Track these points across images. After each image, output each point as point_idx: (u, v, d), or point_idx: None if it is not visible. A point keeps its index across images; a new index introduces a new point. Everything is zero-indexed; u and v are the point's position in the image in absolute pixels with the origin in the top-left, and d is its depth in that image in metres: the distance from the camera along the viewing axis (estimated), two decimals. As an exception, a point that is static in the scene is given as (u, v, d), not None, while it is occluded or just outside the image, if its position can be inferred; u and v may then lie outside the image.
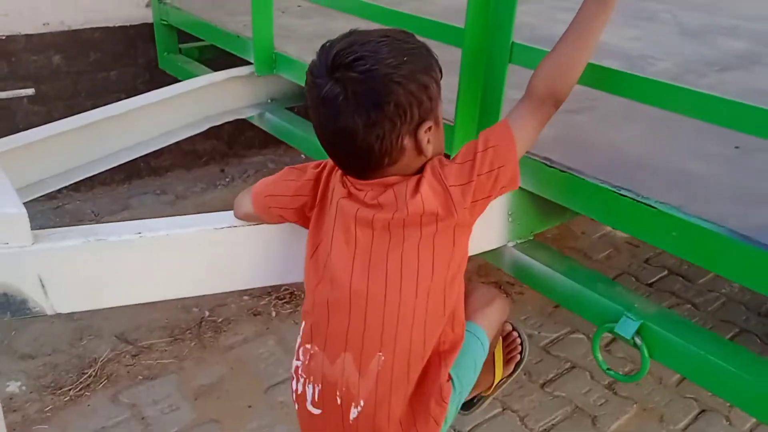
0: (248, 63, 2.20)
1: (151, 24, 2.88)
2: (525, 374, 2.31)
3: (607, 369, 1.38)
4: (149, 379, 2.22)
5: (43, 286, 1.14)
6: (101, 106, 1.86)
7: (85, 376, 2.21)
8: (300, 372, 1.18)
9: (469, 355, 1.18)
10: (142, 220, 1.20)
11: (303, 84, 2.02)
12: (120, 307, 2.53)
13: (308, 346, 1.16)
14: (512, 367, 1.45)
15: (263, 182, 1.22)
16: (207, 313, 2.54)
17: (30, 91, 1.41)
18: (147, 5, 2.95)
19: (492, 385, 1.43)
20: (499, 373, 1.42)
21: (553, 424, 2.12)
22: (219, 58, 2.61)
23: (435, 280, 1.08)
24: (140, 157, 2.36)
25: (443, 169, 1.08)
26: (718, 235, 1.08)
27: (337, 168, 1.16)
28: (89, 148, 1.75)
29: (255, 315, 2.55)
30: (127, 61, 3.04)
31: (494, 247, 1.47)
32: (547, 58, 1.16)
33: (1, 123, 1.47)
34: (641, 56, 2.15)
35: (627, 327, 1.25)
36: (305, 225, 1.20)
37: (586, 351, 2.44)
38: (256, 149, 3.61)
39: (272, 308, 2.58)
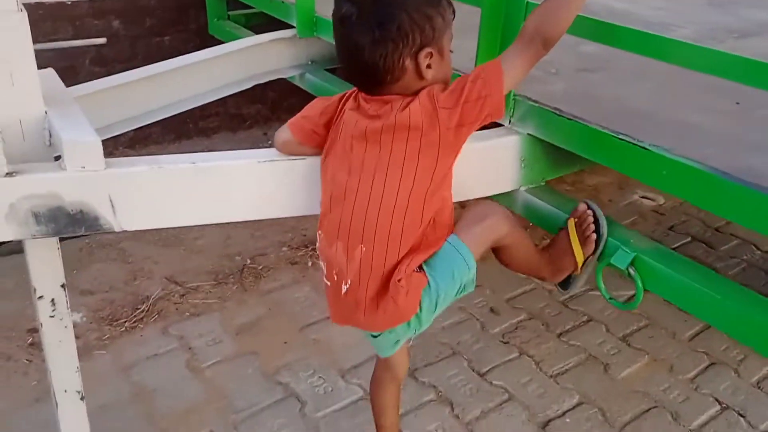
0: (291, 26, 2.37)
1: (202, -9, 3.08)
2: (542, 324, 2.45)
3: (610, 298, 1.52)
4: (195, 315, 2.43)
5: (112, 205, 1.33)
6: (156, 67, 2.05)
7: (138, 311, 2.43)
8: (318, 252, 1.42)
9: (446, 263, 1.31)
10: (197, 153, 1.39)
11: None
12: (169, 251, 2.76)
13: (319, 232, 1.39)
14: (593, 245, 1.47)
15: (296, 116, 1.43)
16: (248, 261, 2.74)
17: (102, 40, 1.61)
18: (199, -26, 3.15)
19: (576, 267, 1.49)
20: (579, 255, 1.47)
21: (566, 369, 2.24)
22: (264, 24, 2.78)
23: (415, 189, 1.25)
24: (188, 118, 2.55)
25: (438, 92, 1.24)
26: (702, 172, 1.21)
27: (354, 92, 1.34)
28: (150, 98, 1.95)
29: (292, 264, 2.74)
30: (179, 27, 3.24)
31: (508, 190, 1.62)
32: (543, 6, 1.28)
33: (66, 81, 1.66)
34: (662, 24, 2.24)
35: (622, 258, 1.39)
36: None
37: (602, 306, 2.55)
38: (298, 114, 3.79)
39: (308, 258, 2.77)
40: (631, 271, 1.38)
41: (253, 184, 1.40)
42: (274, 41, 2.33)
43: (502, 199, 1.64)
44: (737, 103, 1.54)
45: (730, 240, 3.06)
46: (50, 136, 1.39)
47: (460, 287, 1.35)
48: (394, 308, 1.30)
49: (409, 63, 1.23)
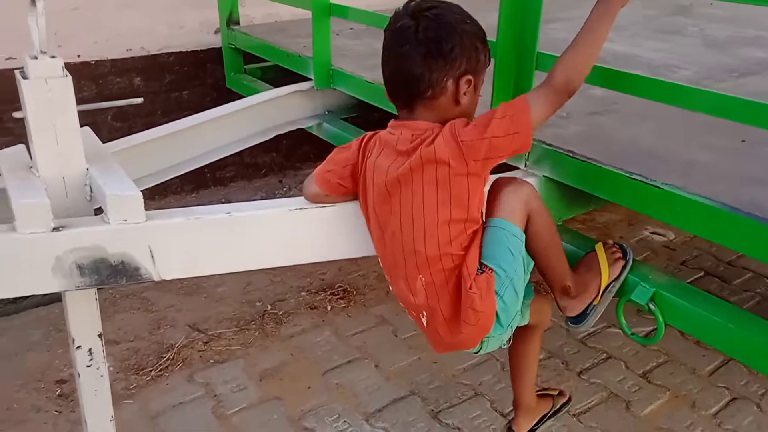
0: (308, 79, 2.47)
1: (220, 48, 3.20)
2: (562, 363, 2.48)
3: (632, 334, 1.56)
4: (219, 362, 2.46)
5: (152, 255, 1.40)
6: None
7: (163, 360, 2.47)
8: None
9: (498, 245, 1.37)
10: (232, 203, 1.46)
11: (358, 96, 2.28)
12: (191, 300, 2.81)
13: (387, 276, 1.49)
14: (618, 270, 1.53)
15: (321, 165, 1.50)
16: (269, 307, 2.78)
17: (139, 100, 1.69)
18: (216, 32, 3.28)
19: (600, 290, 1.53)
20: (605, 274, 1.52)
21: (588, 408, 2.25)
22: (279, 77, 2.90)
23: (453, 216, 1.32)
24: (206, 168, 2.63)
25: (461, 128, 1.32)
26: (713, 208, 1.28)
27: (374, 134, 1.43)
28: (177, 151, 2.04)
29: (312, 309, 2.78)
30: (197, 82, 3.37)
31: (526, 231, 1.67)
32: (564, 54, 1.37)
33: (90, 137, 1.78)
34: (664, 65, 2.34)
35: (642, 294, 1.44)
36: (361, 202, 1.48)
37: (621, 343, 2.57)
38: (311, 161, 3.89)
39: (327, 303, 2.81)
40: (652, 306, 1.43)
41: (285, 232, 1.47)
42: (293, 93, 2.43)
43: (521, 239, 1.70)
44: (743, 141, 1.61)
45: (743, 273, 3.08)
46: (91, 190, 1.47)
47: (523, 261, 1.41)
48: (476, 316, 1.35)
49: (450, 84, 1.33)
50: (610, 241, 1.60)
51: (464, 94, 1.35)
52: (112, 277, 1.39)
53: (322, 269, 3.00)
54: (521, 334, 1.65)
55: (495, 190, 1.43)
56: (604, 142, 1.57)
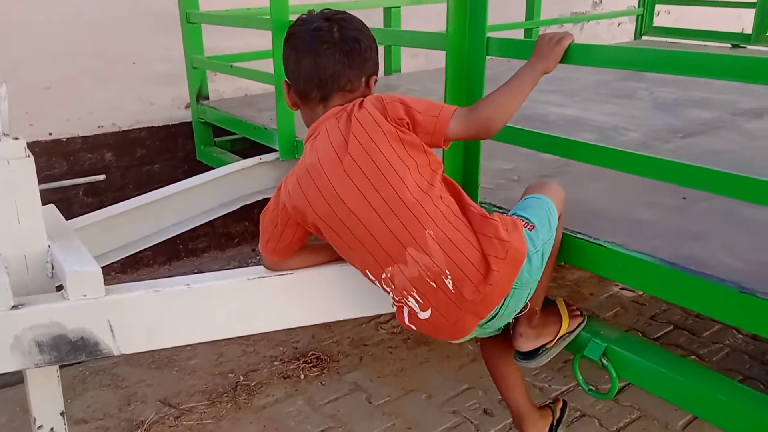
0: (274, 150, 2.55)
1: (190, 122, 3.29)
2: (535, 422, 2.47)
3: (588, 389, 1.59)
4: (190, 437, 2.43)
5: (112, 330, 1.42)
6: (146, 195, 2.19)
7: (133, 438, 2.43)
8: (398, 301, 1.44)
9: (541, 212, 1.45)
10: (191, 275, 1.49)
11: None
12: (162, 374, 2.79)
13: (383, 275, 1.42)
14: (575, 324, 1.61)
15: (260, 240, 1.54)
16: (241, 378, 2.76)
17: (101, 177, 1.74)
18: (186, 107, 3.38)
19: (556, 335, 1.58)
20: (565, 323, 1.59)
21: (563, 467, 2.26)
22: (249, 148, 2.97)
23: (420, 167, 1.38)
24: (179, 240, 2.66)
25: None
26: (652, 263, 1.34)
27: (292, 176, 1.48)
28: (144, 225, 2.08)
29: (285, 378, 2.76)
30: (168, 155, 3.44)
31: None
32: (489, 95, 1.48)
33: (61, 213, 1.80)
34: (614, 128, 2.45)
35: (594, 350, 1.48)
36: (314, 230, 1.47)
37: (594, 401, 2.59)
38: (284, 229, 3.94)
39: (300, 371, 2.80)
40: (604, 361, 1.47)
41: (245, 301, 1.49)
42: (259, 164, 2.50)
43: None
44: (684, 198, 1.69)
45: (712, 326, 3.13)
46: (52, 267, 1.50)
47: (552, 242, 1.45)
48: (503, 246, 1.34)
49: (362, 83, 1.48)
50: (570, 302, 1.66)
51: (371, 90, 1.49)
52: (71, 354, 1.40)
53: (295, 337, 3.00)
54: (497, 347, 1.68)
55: (539, 184, 1.56)
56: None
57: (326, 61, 1.43)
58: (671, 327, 3.16)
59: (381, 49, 1.60)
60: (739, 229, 1.53)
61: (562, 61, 1.45)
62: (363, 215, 1.38)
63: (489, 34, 1.62)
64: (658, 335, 3.10)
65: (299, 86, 1.49)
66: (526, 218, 1.43)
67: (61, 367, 1.53)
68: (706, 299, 1.26)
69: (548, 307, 1.62)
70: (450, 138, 1.43)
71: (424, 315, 1.40)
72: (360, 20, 1.52)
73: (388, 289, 1.44)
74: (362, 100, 1.43)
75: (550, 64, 1.46)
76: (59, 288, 1.47)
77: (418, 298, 1.39)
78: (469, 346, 2.88)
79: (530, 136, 1.61)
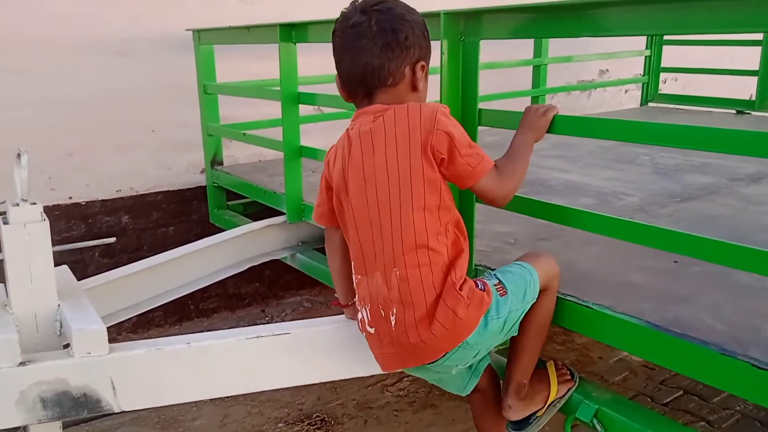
0: (283, 213, 2.63)
1: (204, 186, 3.41)
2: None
3: (580, 453, 1.59)
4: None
5: (113, 387, 1.46)
6: (160, 256, 2.26)
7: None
8: (358, 303, 1.48)
9: (520, 283, 1.46)
10: (192, 334, 1.55)
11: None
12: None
13: (356, 277, 1.47)
14: (565, 390, 1.61)
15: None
16: (245, 439, 2.77)
17: (111, 240, 1.82)
18: (201, 172, 3.51)
19: (546, 403, 1.59)
20: (554, 389, 1.59)
21: None
22: (260, 211, 3.07)
23: (428, 200, 1.37)
24: (190, 300, 2.71)
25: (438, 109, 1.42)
26: (638, 326, 1.37)
27: (333, 146, 1.52)
28: (152, 285, 2.15)
29: (289, 440, 2.77)
30: (183, 218, 3.55)
31: (479, 353, 1.74)
32: (511, 167, 1.50)
33: (76, 273, 1.86)
34: (613, 193, 2.50)
35: (586, 411, 1.49)
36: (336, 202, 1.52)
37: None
38: (293, 290, 3.99)
39: (305, 434, 2.80)
40: (596, 423, 1.48)
41: (243, 360, 1.54)
42: (267, 227, 2.58)
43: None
44: (675, 262, 1.73)
45: (722, 392, 3.08)
46: (61, 326, 1.56)
47: (521, 312, 1.46)
48: (454, 321, 1.35)
49: (408, 71, 1.44)
50: (560, 363, 1.67)
51: (420, 79, 1.46)
52: (73, 410, 1.44)
53: (301, 398, 3.00)
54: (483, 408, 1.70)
55: (533, 254, 1.57)
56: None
57: (364, 57, 1.42)
58: (681, 392, 3.12)
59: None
60: (727, 293, 1.55)
61: (549, 131, 1.52)
62: (359, 215, 1.43)
63: (495, 103, 1.71)
64: (667, 400, 3.06)
65: (344, 83, 1.51)
66: (503, 283, 1.46)
67: (66, 426, 1.57)
68: (689, 361, 1.29)
69: (537, 371, 1.63)
70: (472, 190, 1.45)
71: (370, 329, 1.46)
72: (403, 4, 1.48)
73: (357, 292, 1.50)
74: (410, 105, 1.41)
75: (538, 134, 1.53)
76: (67, 346, 1.52)
77: (368, 315, 1.45)
78: (475, 410, 2.87)
79: (526, 203, 1.67)
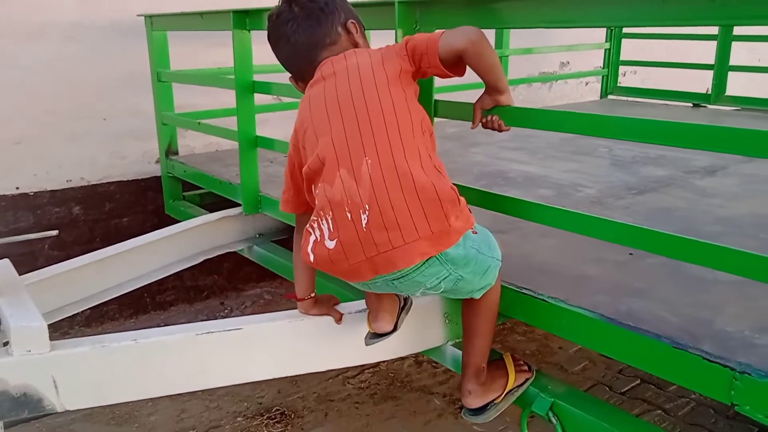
0: (239, 204, 2.58)
1: (159, 177, 3.32)
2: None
3: (534, 446, 1.59)
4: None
5: (56, 386, 1.40)
6: (114, 249, 2.19)
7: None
8: (312, 224, 1.40)
9: (483, 236, 1.46)
10: (141, 330, 1.49)
11: (285, 221, 2.38)
12: (122, 431, 2.73)
13: (315, 190, 1.41)
14: (522, 379, 1.60)
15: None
16: (202, 435, 2.72)
17: (54, 233, 1.74)
18: (156, 162, 3.41)
19: (503, 391, 1.58)
20: (512, 378, 1.59)
21: None
22: (217, 203, 3.00)
23: (396, 100, 1.37)
24: (146, 293, 2.64)
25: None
26: (591, 319, 1.37)
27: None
28: (102, 279, 2.07)
29: (247, 435, 2.73)
30: (137, 209, 3.45)
31: (435, 346, 1.73)
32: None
33: (25, 266, 1.78)
34: (571, 185, 2.51)
35: (542, 405, 1.49)
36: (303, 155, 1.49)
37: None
38: (253, 282, 3.93)
39: (264, 428, 2.75)
40: (551, 416, 1.47)
41: (193, 357, 1.49)
42: (223, 219, 2.52)
43: (433, 354, 1.75)
44: (630, 254, 1.74)
45: (677, 380, 3.14)
46: (0, 324, 1.49)
47: (485, 268, 1.43)
48: (442, 226, 1.29)
49: (341, 30, 1.51)
50: (517, 356, 1.67)
51: (357, 36, 1.53)
52: (13, 410, 1.38)
53: (260, 392, 2.96)
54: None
55: None
56: (504, 259, 1.66)
57: (298, 36, 1.50)
58: (638, 381, 3.17)
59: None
60: (680, 285, 1.56)
61: (509, 123, 1.51)
62: (319, 120, 1.42)
63: (458, 94, 1.70)
64: (625, 389, 3.11)
65: (294, 71, 1.56)
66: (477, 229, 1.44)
67: (14, 423, 1.51)
68: (641, 354, 1.29)
69: (495, 361, 1.63)
70: (443, 55, 1.42)
71: (329, 244, 1.35)
72: None
73: (313, 214, 1.42)
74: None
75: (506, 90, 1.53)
76: (6, 344, 1.46)
77: (330, 225, 1.35)
78: (436, 401, 2.87)
79: (483, 195, 1.66)
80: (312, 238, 1.40)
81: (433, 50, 1.41)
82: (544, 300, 1.46)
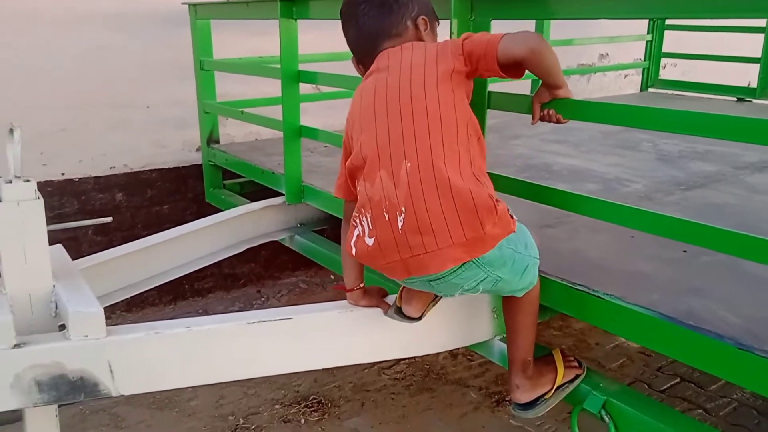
0: (281, 194, 2.58)
1: (200, 165, 3.35)
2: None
3: (585, 442, 1.57)
4: (188, 478, 2.40)
5: (111, 371, 1.42)
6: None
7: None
8: (355, 219, 1.42)
9: (521, 235, 1.41)
10: (192, 317, 1.50)
11: (327, 210, 2.38)
12: (163, 414, 2.78)
13: (359, 187, 1.43)
14: (572, 375, 1.59)
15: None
16: (241, 421, 2.74)
17: (108, 219, 1.77)
18: (197, 150, 3.44)
19: (552, 386, 1.56)
20: (560, 372, 1.57)
21: None
22: (257, 191, 3.02)
23: (442, 101, 1.36)
24: (185, 280, 2.67)
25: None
26: (650, 317, 1.34)
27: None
28: (148, 266, 2.10)
29: (285, 422, 2.74)
30: (178, 196, 3.49)
31: (483, 340, 1.72)
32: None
33: (69, 250, 1.82)
34: (617, 179, 2.47)
35: (594, 403, 1.47)
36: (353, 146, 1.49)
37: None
38: (289, 271, 3.95)
39: (301, 416, 2.78)
40: (604, 414, 1.45)
41: (243, 345, 1.50)
42: (266, 208, 2.53)
43: (480, 348, 1.74)
44: (684, 251, 1.70)
45: (719, 379, 3.06)
46: (56, 307, 1.52)
47: (523, 268, 1.41)
48: (476, 233, 1.28)
49: (410, 24, 1.53)
50: (566, 351, 1.65)
51: (425, 31, 1.53)
52: (70, 394, 1.40)
53: (297, 380, 2.98)
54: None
55: None
56: (553, 254, 1.65)
57: (366, 20, 1.52)
58: (678, 379, 3.12)
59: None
60: (740, 284, 1.53)
61: (562, 112, 1.49)
62: (366, 115, 1.43)
63: (493, 86, 1.67)
64: (664, 387, 3.06)
65: (357, 53, 1.59)
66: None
67: (60, 405, 1.54)
68: (703, 355, 1.26)
69: (544, 357, 1.61)
70: (502, 60, 1.39)
71: (369, 241, 1.37)
72: None
73: (357, 207, 1.44)
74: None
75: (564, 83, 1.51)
76: (62, 327, 1.48)
77: (369, 222, 1.37)
78: (471, 395, 2.86)
79: (530, 188, 1.64)
80: (357, 232, 1.42)
81: (492, 54, 1.39)
82: (599, 297, 1.44)
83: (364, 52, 1.56)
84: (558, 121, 1.51)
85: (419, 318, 1.56)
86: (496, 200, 1.33)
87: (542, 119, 1.53)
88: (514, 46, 1.37)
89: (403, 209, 1.31)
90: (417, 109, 1.35)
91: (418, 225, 1.29)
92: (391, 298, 1.62)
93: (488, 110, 1.66)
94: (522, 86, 4.28)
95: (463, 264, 1.31)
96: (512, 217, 1.38)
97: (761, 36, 4.47)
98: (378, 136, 1.38)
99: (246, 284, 3.84)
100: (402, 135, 1.34)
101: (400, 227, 1.31)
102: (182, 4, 3.06)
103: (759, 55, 4.50)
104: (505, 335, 1.72)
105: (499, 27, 1.64)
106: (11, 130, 1.44)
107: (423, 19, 1.53)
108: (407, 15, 1.52)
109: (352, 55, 1.61)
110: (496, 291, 1.45)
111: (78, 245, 3.17)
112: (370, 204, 1.37)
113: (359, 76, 1.59)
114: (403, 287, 1.56)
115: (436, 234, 1.29)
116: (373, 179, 1.36)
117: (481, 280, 1.37)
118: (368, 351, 1.63)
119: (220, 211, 2.75)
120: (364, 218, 1.39)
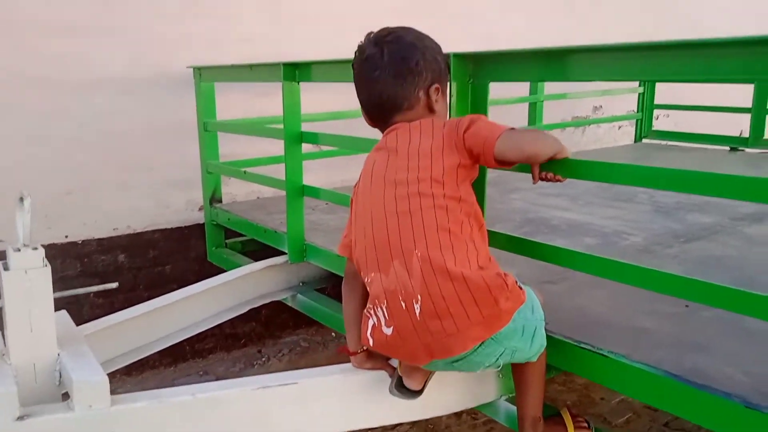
0: (283, 253, 2.60)
1: (202, 224, 3.38)
2: None
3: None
4: None
5: (115, 441, 1.41)
6: (157, 296, 2.21)
7: None
8: (369, 310, 1.43)
9: (529, 306, 1.43)
10: (197, 384, 1.50)
11: (329, 269, 2.39)
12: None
13: (367, 278, 1.44)
14: None
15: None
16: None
17: (114, 285, 1.78)
18: (200, 209, 3.48)
19: None
20: (570, 428, 1.59)
21: None
22: (259, 250, 3.03)
23: (447, 194, 1.38)
24: (185, 341, 2.67)
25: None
26: (656, 375, 1.34)
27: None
28: (152, 330, 2.09)
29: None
30: (180, 256, 3.50)
31: (489, 401, 1.71)
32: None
33: (71, 314, 1.83)
34: (615, 232, 2.49)
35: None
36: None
37: None
38: (290, 330, 3.93)
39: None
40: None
41: (248, 411, 1.49)
42: (268, 268, 2.54)
43: (486, 409, 1.72)
44: (686, 306, 1.70)
45: (727, 433, 3.03)
46: (60, 375, 1.51)
47: (532, 331, 1.42)
48: (492, 310, 1.31)
49: (422, 95, 1.53)
50: (575, 412, 1.64)
51: (436, 101, 1.55)
52: (74, 465, 1.39)
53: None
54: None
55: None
56: (555, 311, 1.65)
57: (379, 86, 1.53)
58: (685, 435, 3.07)
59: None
60: (743, 340, 1.53)
61: (560, 172, 1.52)
62: (374, 201, 1.46)
63: None
64: (671, 443, 3.01)
65: (365, 110, 1.62)
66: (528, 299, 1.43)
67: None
68: (711, 413, 1.26)
69: (553, 417, 1.60)
70: (498, 159, 1.43)
71: (387, 330, 1.41)
72: (415, 31, 1.57)
73: (369, 301, 1.46)
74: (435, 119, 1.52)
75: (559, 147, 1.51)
76: (65, 396, 1.48)
77: (386, 313, 1.40)
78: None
79: (534, 246, 1.66)
80: (371, 323, 1.45)
81: (489, 153, 1.43)
82: (604, 355, 1.44)
83: (373, 117, 1.60)
84: (558, 180, 1.54)
85: (420, 391, 1.57)
86: (505, 274, 1.38)
87: (542, 179, 1.57)
88: (508, 151, 1.42)
89: (419, 296, 1.35)
90: (425, 204, 1.40)
91: (435, 310, 1.34)
92: (395, 361, 1.62)
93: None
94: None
95: (482, 342, 1.35)
96: (521, 288, 1.41)
97: (751, 86, 4.58)
98: (389, 225, 1.42)
99: (247, 344, 3.81)
100: (412, 227, 1.39)
101: (417, 314, 1.35)
102: (187, 67, 3.14)
103: (750, 105, 4.60)
104: (510, 395, 1.71)
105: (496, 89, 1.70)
106: (21, 198, 1.47)
107: (436, 87, 1.55)
108: (421, 85, 1.53)
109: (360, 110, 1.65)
110: (513, 361, 1.48)
111: (80, 308, 3.17)
112: (385, 295, 1.40)
113: (360, 137, 1.63)
114: (401, 363, 1.58)
115: (455, 317, 1.33)
116: (387, 270, 1.40)
117: (500, 354, 1.41)
118: (374, 415, 1.62)
119: (223, 270, 2.76)
120: (379, 309, 1.43)
